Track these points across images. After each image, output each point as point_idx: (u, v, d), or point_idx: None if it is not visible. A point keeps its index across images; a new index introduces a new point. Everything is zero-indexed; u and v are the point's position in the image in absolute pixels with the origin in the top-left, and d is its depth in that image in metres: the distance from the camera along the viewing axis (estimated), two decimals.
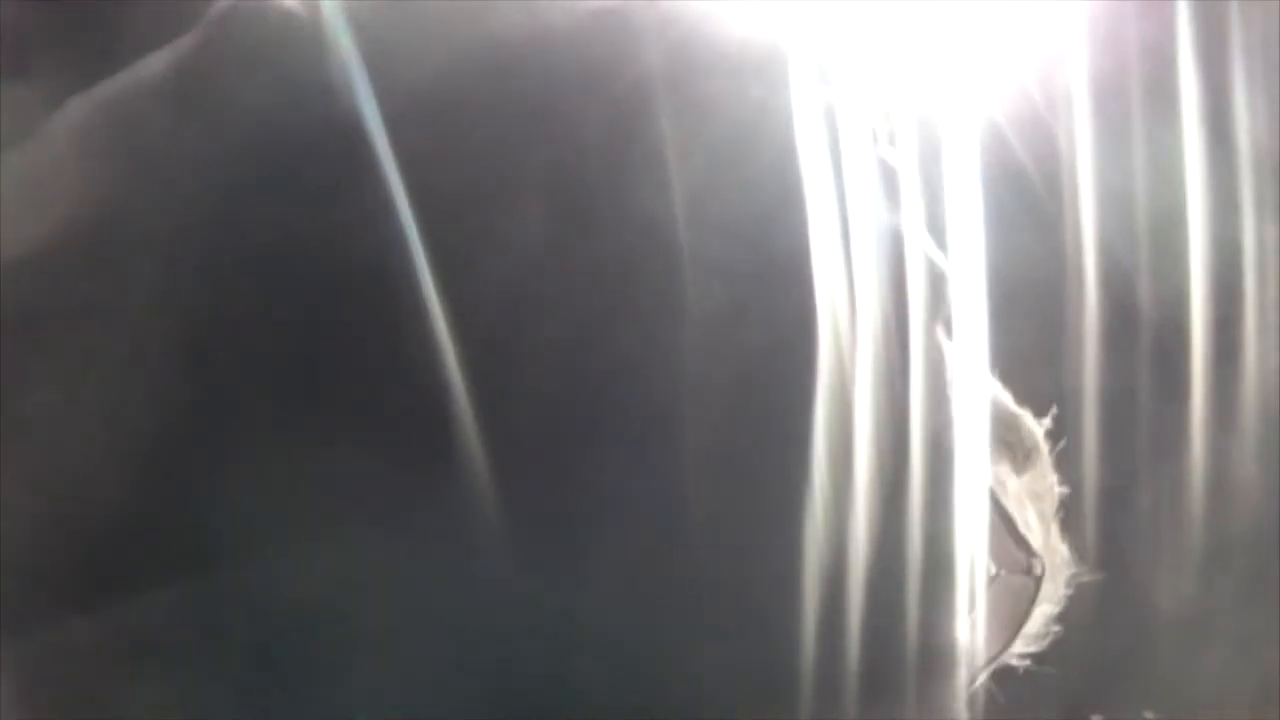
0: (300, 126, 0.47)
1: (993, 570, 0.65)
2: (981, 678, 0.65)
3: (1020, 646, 0.71)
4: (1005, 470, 0.68)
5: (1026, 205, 1.41)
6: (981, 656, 0.68)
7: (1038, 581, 0.69)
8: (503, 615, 0.43)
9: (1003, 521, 0.66)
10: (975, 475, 0.57)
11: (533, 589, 0.43)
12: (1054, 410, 0.75)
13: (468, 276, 0.45)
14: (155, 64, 0.50)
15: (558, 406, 0.44)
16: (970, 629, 0.53)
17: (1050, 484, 0.74)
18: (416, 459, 0.42)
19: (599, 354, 0.45)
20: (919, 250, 0.62)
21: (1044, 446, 0.70)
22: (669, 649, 0.44)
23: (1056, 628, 0.73)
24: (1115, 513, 1.49)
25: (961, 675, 0.51)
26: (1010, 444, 0.69)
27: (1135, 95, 1.42)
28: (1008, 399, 0.69)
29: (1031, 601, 0.70)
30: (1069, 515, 0.75)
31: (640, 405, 0.45)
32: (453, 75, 0.48)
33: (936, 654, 0.50)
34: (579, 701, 0.44)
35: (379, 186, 0.45)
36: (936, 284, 0.61)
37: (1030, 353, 1.50)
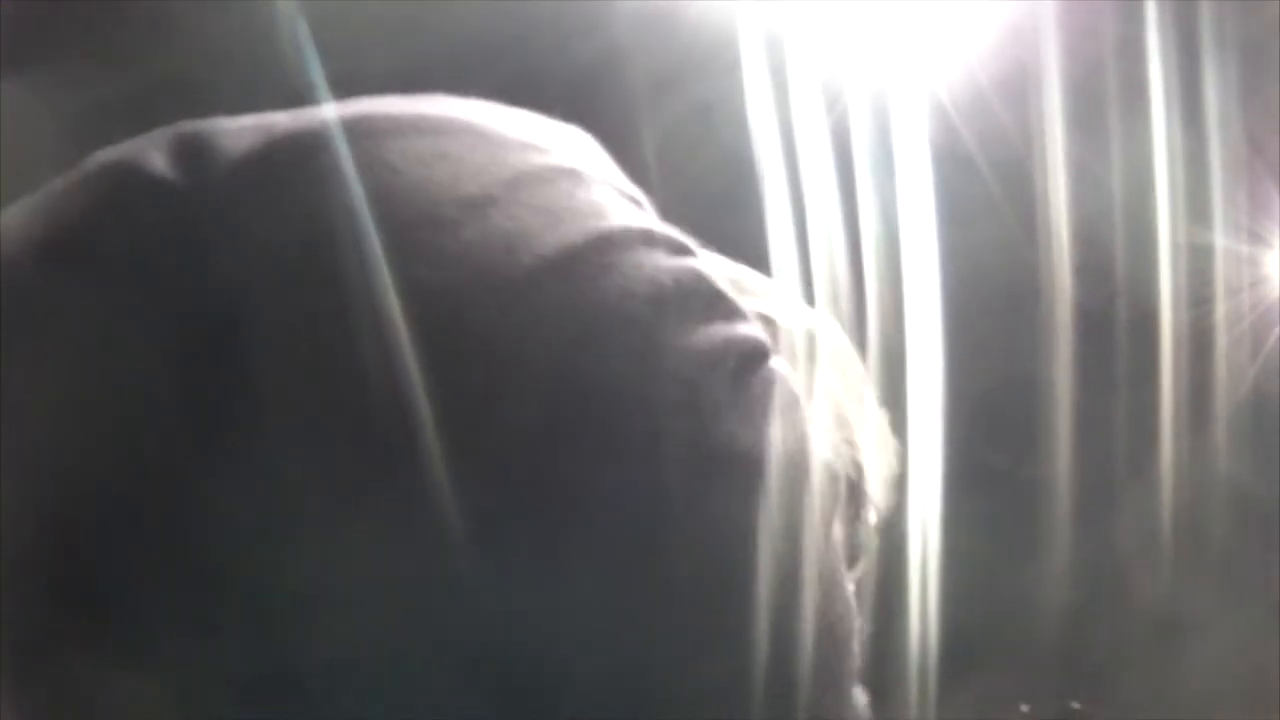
0: (159, 293, 0.47)
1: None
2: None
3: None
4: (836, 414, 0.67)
5: (976, 192, 1.42)
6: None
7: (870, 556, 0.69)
8: (479, 617, 0.42)
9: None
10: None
11: (508, 590, 0.42)
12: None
13: (424, 285, 0.44)
14: (22, 211, 0.51)
15: (532, 404, 0.43)
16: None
17: (855, 376, 0.73)
18: (388, 458, 0.42)
19: (576, 350, 0.45)
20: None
21: (819, 347, 0.69)
22: (646, 652, 0.44)
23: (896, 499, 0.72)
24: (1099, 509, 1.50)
25: None
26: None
27: (1089, 83, 1.42)
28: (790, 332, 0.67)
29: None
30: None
31: (614, 403, 0.45)
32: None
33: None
34: (555, 704, 0.43)
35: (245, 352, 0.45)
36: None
37: (996, 341, 1.50)
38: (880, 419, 0.76)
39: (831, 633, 0.51)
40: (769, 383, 0.51)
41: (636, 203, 0.53)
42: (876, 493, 0.71)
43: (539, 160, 0.52)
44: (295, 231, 0.47)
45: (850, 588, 0.54)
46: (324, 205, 0.48)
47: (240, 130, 0.50)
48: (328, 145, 0.49)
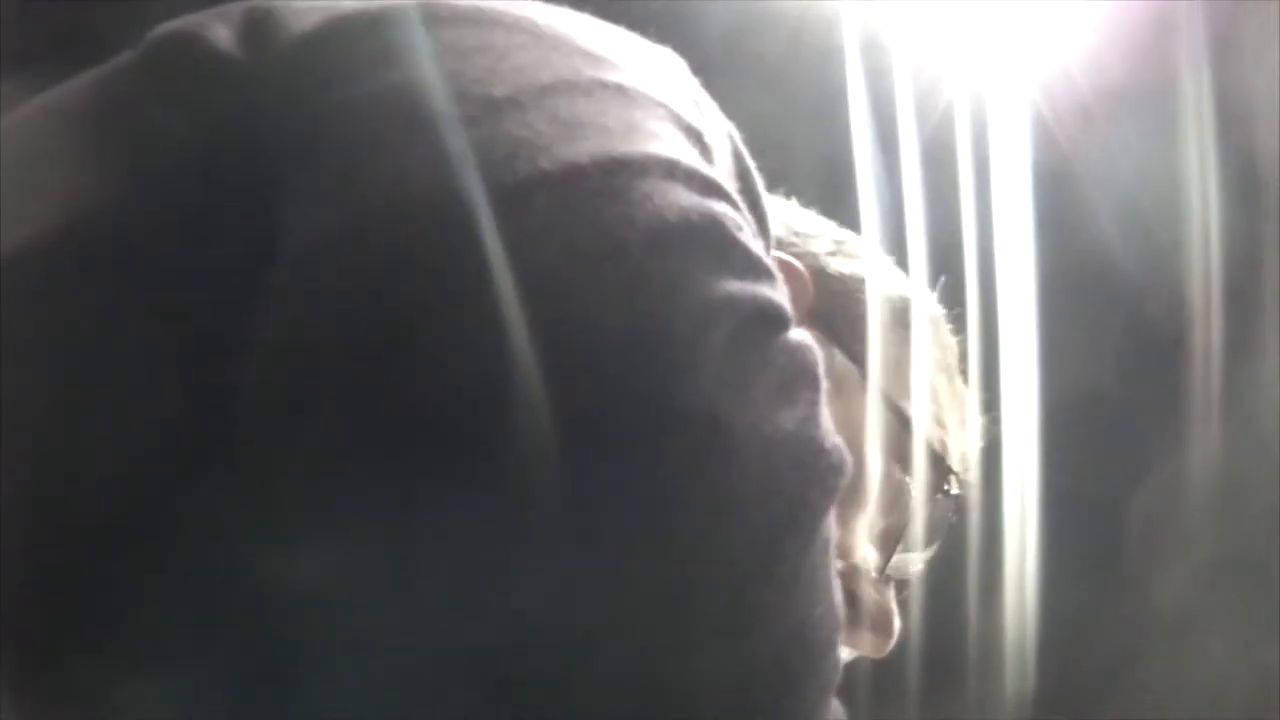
0: (215, 167, 0.45)
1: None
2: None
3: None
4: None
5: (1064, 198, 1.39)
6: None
7: (957, 500, 0.67)
8: (520, 619, 0.40)
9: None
10: None
11: (552, 591, 0.40)
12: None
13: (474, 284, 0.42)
14: (79, 85, 0.49)
15: (495, 319, 0.41)
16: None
17: (947, 349, 0.73)
18: (439, 459, 0.40)
19: (554, 272, 0.42)
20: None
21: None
22: (676, 659, 0.42)
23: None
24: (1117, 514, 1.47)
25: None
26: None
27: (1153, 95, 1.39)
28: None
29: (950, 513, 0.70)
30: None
31: (580, 338, 0.42)
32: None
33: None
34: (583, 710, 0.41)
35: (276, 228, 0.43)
36: None
37: (1095, 352, 1.47)
38: (968, 395, 0.73)
39: (802, 638, 0.45)
40: (779, 354, 0.46)
41: (695, 136, 0.49)
42: (959, 466, 0.68)
43: (589, 72, 0.48)
44: (337, 120, 0.45)
45: (838, 595, 0.49)
46: (366, 93, 0.45)
47: (309, 10, 0.49)
48: (381, 31, 0.47)
